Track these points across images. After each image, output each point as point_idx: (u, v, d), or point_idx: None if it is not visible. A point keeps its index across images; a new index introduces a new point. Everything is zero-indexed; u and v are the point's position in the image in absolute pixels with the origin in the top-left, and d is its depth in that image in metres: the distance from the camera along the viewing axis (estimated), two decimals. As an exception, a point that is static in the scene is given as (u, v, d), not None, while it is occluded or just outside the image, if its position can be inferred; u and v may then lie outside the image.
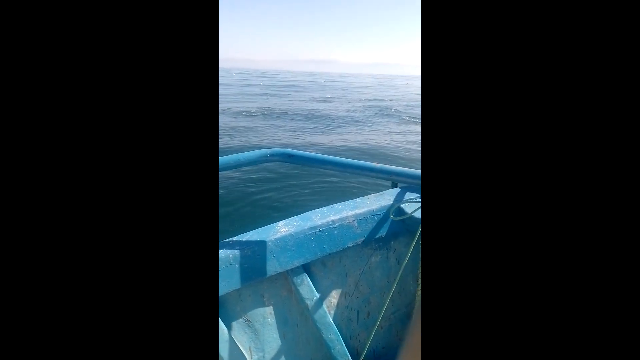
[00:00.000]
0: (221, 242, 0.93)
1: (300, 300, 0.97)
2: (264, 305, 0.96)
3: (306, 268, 0.97)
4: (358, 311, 1.05)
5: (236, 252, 0.88)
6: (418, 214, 0.95)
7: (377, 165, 1.08)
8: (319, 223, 0.95)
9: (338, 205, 1.03)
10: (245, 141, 6.28)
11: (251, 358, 0.95)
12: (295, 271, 0.95)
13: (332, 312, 1.02)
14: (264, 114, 10.03)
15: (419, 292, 0.96)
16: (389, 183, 1.14)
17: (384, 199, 1.05)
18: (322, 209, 1.02)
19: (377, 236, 0.99)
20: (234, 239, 0.94)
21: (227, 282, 0.87)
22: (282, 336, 0.99)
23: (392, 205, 1.02)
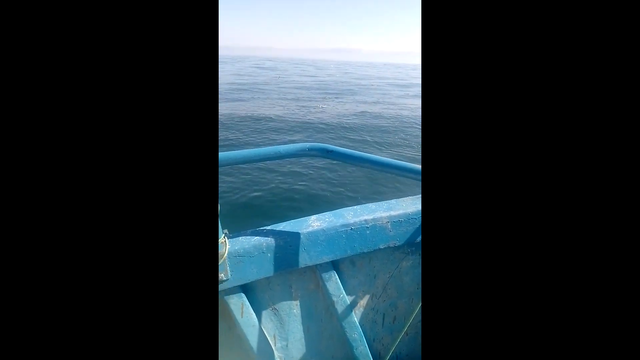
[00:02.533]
0: (255, 229, 0.93)
1: (327, 295, 0.97)
2: (291, 296, 0.97)
3: (335, 265, 0.96)
4: (384, 314, 1.05)
5: (269, 240, 0.88)
6: None
7: (418, 166, 1.05)
8: (352, 221, 0.94)
9: (372, 205, 1.02)
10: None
11: (275, 345, 0.96)
12: (324, 266, 0.95)
13: (358, 312, 1.01)
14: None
15: None
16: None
17: (421, 202, 1.03)
18: (355, 207, 1.01)
19: (410, 240, 0.98)
20: (268, 227, 0.93)
21: (259, 269, 0.87)
22: (306, 329, 0.99)
23: None
